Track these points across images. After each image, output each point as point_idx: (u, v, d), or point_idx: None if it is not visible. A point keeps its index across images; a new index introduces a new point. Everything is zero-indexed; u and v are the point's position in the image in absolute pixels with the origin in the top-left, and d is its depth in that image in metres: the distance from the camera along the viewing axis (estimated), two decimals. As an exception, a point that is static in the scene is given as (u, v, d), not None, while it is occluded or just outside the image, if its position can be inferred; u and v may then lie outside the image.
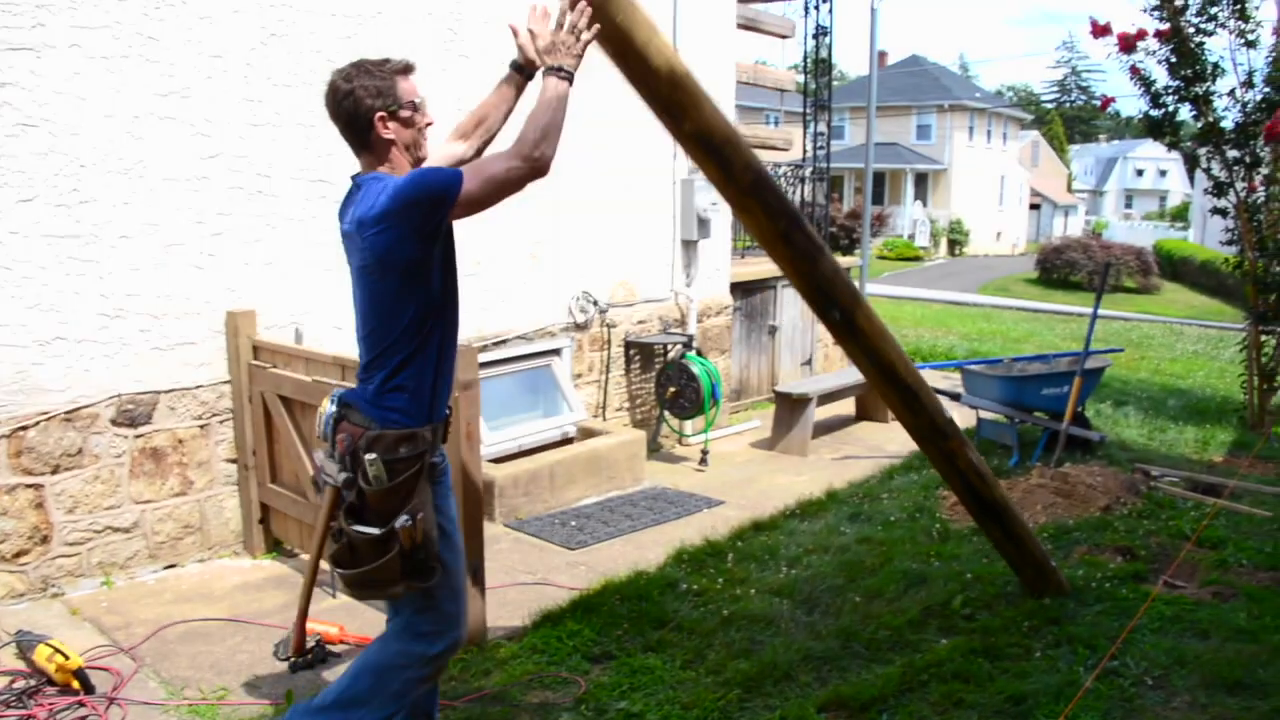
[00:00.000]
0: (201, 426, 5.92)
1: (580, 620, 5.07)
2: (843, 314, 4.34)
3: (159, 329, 5.66)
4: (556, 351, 7.88)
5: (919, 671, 4.60)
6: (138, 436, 5.64)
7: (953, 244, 48.77)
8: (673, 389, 8.28)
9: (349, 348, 6.15)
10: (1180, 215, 63.69)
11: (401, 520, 3.09)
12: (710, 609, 5.27)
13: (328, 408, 3.28)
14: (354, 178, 3.31)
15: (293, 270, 6.20)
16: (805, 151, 12.25)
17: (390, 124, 3.20)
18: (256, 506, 6.07)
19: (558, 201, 7.65)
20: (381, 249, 3.06)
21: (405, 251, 3.08)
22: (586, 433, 7.78)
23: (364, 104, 3.17)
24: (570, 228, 7.81)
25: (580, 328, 8.01)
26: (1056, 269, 36.10)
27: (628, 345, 8.45)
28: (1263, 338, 10.06)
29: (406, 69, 3.29)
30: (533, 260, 7.55)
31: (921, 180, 49.23)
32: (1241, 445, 9.49)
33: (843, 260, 12.29)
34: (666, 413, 8.61)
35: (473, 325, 7.17)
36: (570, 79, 3.26)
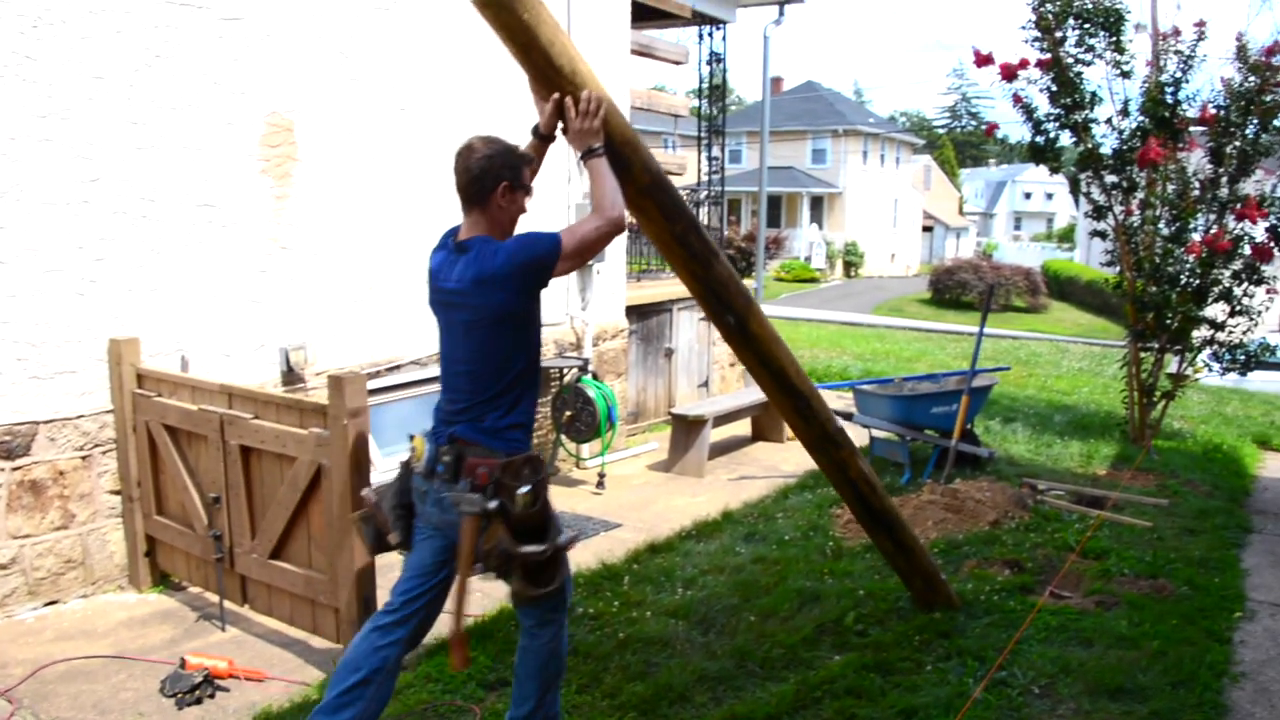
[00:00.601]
0: (84, 457, 5.75)
1: (476, 647, 5.03)
2: (736, 319, 4.43)
3: (38, 357, 5.50)
4: (451, 376, 7.82)
5: (813, 689, 4.67)
6: (15, 469, 5.46)
7: (848, 266, 49.59)
8: (569, 413, 8.28)
9: (236, 375, 6.07)
10: (1067, 236, 65.60)
11: (565, 538, 3.65)
12: (606, 632, 5.27)
13: (427, 446, 3.68)
14: (461, 242, 3.64)
15: (178, 297, 6.08)
16: (700, 176, 12.37)
17: (507, 196, 3.62)
18: (142, 539, 5.92)
19: (451, 224, 7.62)
20: (497, 306, 3.51)
21: (517, 307, 3.56)
22: (483, 458, 7.71)
23: (496, 169, 3.59)
24: (465, 252, 7.78)
25: (475, 352, 7.97)
26: (949, 289, 36.91)
27: (524, 369, 8.41)
28: (1142, 354, 10.41)
29: (531, 160, 3.76)
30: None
31: (817, 203, 50.00)
32: (1124, 458, 9.80)
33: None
34: (563, 436, 8.60)
35: (364, 351, 7.10)
36: (603, 153, 3.69)
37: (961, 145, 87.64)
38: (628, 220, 3.74)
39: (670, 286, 11.26)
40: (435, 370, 7.65)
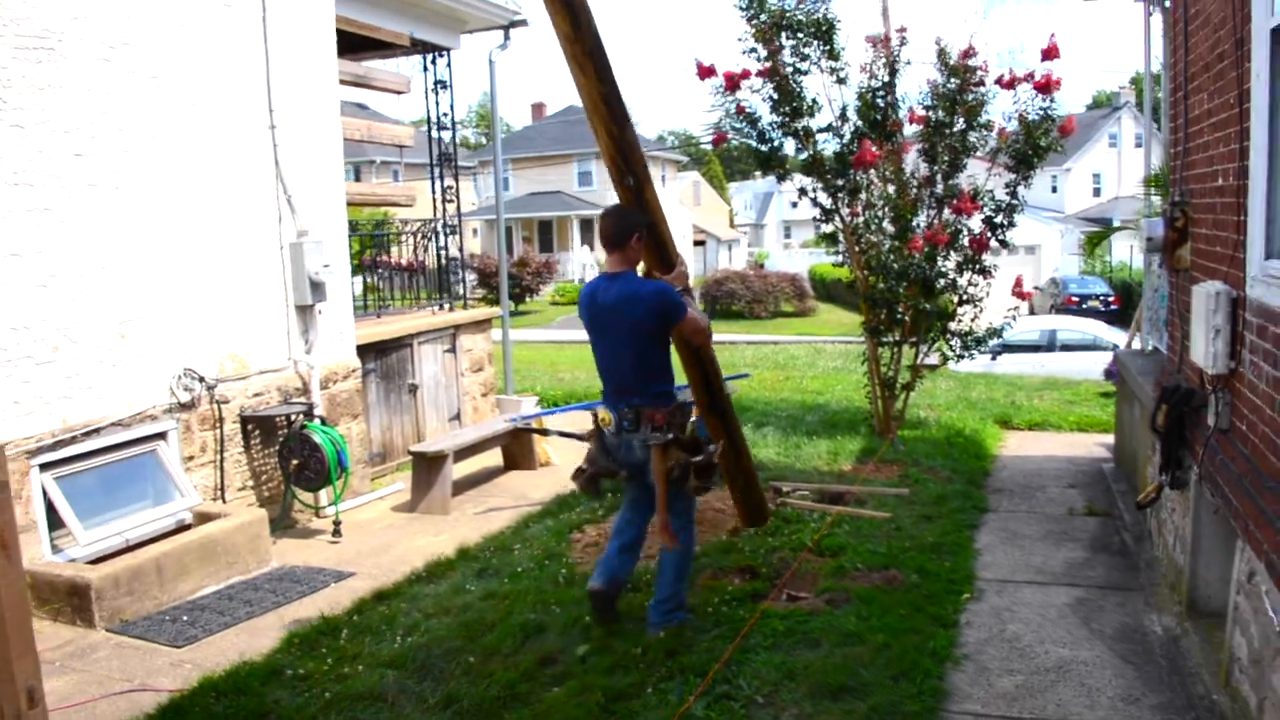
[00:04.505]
0: None
1: (174, 727, 4.66)
2: (636, 182, 5.36)
3: None
4: (161, 435, 7.31)
5: (526, 727, 4.47)
6: None
7: (623, 285, 49.95)
8: (296, 461, 7.85)
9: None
10: (833, 240, 68.01)
11: (712, 448, 5.45)
12: (314, 693, 4.95)
13: (612, 415, 5.34)
14: (613, 274, 5.28)
15: None
16: (434, 206, 12.03)
17: (638, 242, 5.29)
18: None
19: (149, 272, 7.15)
20: (650, 324, 5.17)
21: (657, 326, 5.21)
22: (204, 518, 7.24)
23: (636, 222, 5.28)
24: (166, 301, 7.30)
25: (186, 407, 7.47)
26: (719, 300, 37.66)
27: (244, 420, 7.94)
28: (880, 349, 10.68)
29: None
30: (123, 339, 6.99)
31: (588, 225, 50.23)
32: (870, 452, 10.00)
33: (487, 310, 12.18)
34: (294, 486, 8.16)
35: (55, 416, 6.55)
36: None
37: (728, 160, 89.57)
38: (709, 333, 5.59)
39: (411, 321, 10.95)
40: (142, 430, 7.17)
